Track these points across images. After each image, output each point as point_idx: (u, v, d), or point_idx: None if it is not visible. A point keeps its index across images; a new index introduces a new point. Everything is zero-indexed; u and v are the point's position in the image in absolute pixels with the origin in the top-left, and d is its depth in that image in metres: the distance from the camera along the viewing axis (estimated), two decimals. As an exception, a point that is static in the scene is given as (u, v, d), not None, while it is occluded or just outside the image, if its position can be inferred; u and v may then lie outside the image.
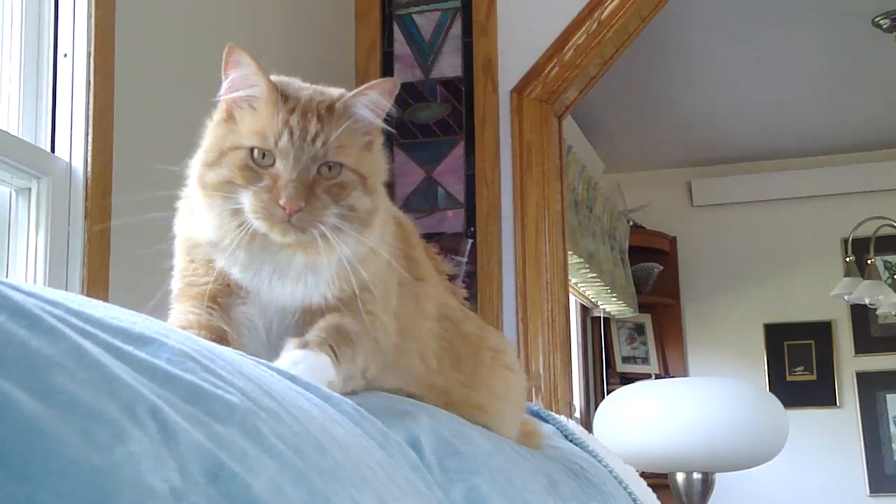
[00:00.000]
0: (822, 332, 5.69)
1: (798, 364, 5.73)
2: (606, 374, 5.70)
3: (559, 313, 3.22)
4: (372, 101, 1.13)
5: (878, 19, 4.29)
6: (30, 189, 1.89)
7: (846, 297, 4.56)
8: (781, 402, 3.02)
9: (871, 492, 5.52)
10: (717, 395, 2.81)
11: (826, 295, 4.86)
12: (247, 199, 1.08)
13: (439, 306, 1.28)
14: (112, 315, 0.68)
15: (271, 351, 1.07)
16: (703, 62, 4.76)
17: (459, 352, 1.29)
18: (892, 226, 4.47)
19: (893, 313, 4.68)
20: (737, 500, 5.28)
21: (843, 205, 5.43)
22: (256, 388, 0.73)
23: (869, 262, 4.47)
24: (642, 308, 5.77)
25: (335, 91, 1.17)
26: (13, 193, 1.89)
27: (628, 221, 5.75)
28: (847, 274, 4.53)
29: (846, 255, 4.61)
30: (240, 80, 1.11)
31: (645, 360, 5.90)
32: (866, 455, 5.55)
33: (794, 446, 5.43)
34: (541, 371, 3.11)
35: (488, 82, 3.17)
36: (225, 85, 1.13)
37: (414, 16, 3.25)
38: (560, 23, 3.16)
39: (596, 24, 3.14)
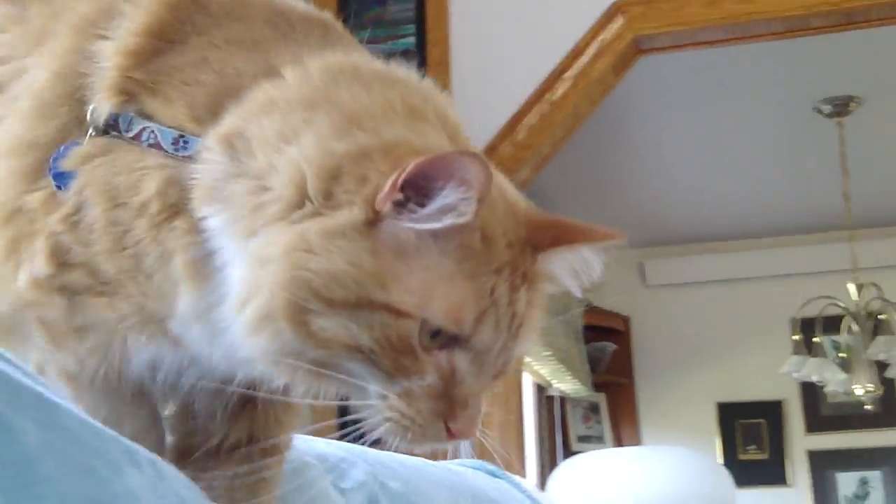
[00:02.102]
0: (773, 410, 5.75)
1: (750, 443, 5.78)
2: (564, 454, 5.71)
3: (513, 392, 3.26)
4: (583, 262, 0.80)
5: (819, 105, 4.45)
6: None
7: (794, 375, 4.64)
8: (734, 480, 3.07)
9: (824, 571, 5.54)
10: (667, 464, 2.85)
11: (777, 374, 4.93)
12: (384, 397, 0.72)
13: None
14: None
15: None
16: (653, 145, 4.89)
17: None
18: (838, 305, 4.57)
19: (841, 391, 4.75)
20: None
21: (791, 285, 5.55)
22: None
23: (815, 340, 4.55)
24: (597, 387, 5.81)
25: (532, 216, 0.78)
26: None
27: (583, 301, 5.82)
28: (795, 352, 4.61)
29: (794, 334, 4.69)
30: (450, 205, 0.71)
31: (600, 440, 5.92)
32: (819, 534, 5.59)
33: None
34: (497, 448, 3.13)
35: (443, 160, 3.24)
36: (416, 205, 0.72)
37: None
38: (513, 103, 3.26)
39: (548, 106, 3.24)
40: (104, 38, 0.86)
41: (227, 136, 0.78)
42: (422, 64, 3.30)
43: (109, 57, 0.85)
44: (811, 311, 4.58)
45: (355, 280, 0.69)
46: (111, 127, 0.82)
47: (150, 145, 0.80)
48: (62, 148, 0.82)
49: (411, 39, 3.34)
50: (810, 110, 4.48)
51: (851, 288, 4.54)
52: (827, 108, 4.45)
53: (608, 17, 3.23)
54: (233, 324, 0.74)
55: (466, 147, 0.81)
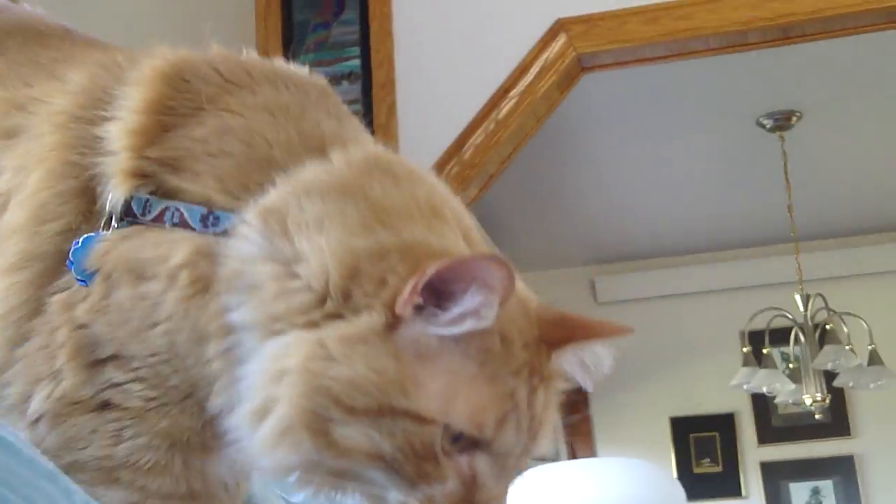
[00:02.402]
0: (725, 423, 5.79)
1: (704, 456, 5.82)
2: (518, 473, 5.70)
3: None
4: (594, 357, 0.79)
5: (761, 119, 4.51)
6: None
7: (745, 387, 4.67)
8: (688, 494, 3.08)
9: (780, 581, 5.58)
10: (619, 475, 2.86)
11: (728, 387, 4.97)
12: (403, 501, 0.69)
13: None
14: None
15: None
16: (599, 162, 4.92)
17: None
18: (785, 317, 4.62)
19: (791, 402, 4.80)
20: None
21: (739, 298, 5.60)
22: None
23: (765, 352, 4.60)
24: (551, 405, 5.81)
25: (542, 313, 0.78)
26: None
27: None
28: (745, 364, 4.65)
29: (743, 346, 4.74)
30: (472, 310, 0.70)
31: (555, 458, 5.93)
32: (774, 544, 5.63)
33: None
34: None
35: (390, 181, 3.24)
36: (437, 308, 0.70)
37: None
38: (459, 123, 3.27)
39: (493, 124, 3.26)
40: (105, 120, 0.81)
41: (268, 213, 0.74)
42: (367, 86, 3.30)
43: (116, 139, 0.80)
44: (759, 323, 4.63)
45: (377, 387, 0.67)
46: (128, 213, 0.78)
47: (175, 225, 0.76)
48: (77, 244, 0.77)
49: (356, 62, 3.34)
50: (753, 125, 4.55)
51: (798, 299, 4.60)
52: (769, 123, 4.51)
53: (551, 35, 3.25)
54: (248, 436, 0.71)
55: (481, 248, 0.80)
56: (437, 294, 0.70)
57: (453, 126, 3.27)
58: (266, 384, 0.70)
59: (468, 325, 0.70)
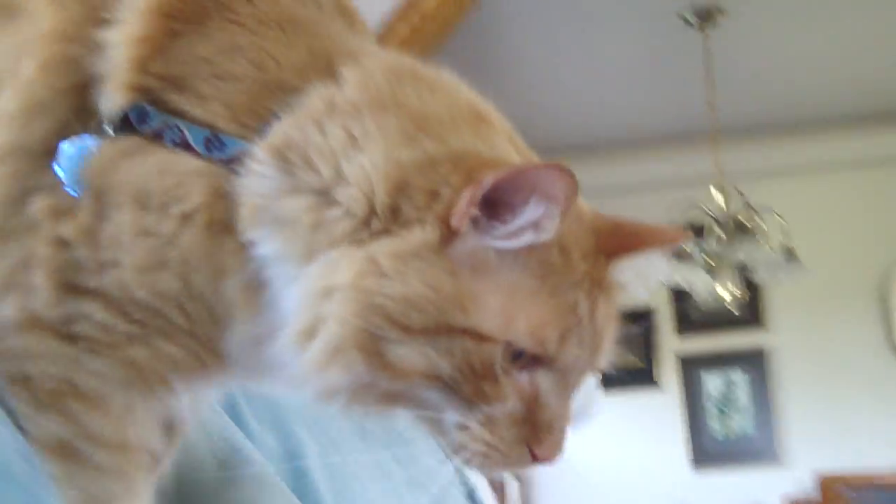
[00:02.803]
0: (645, 317, 5.90)
1: (625, 349, 5.92)
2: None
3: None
4: (650, 265, 0.76)
5: (684, 13, 4.49)
6: None
7: (663, 281, 4.74)
8: (605, 383, 3.12)
9: (694, 466, 5.78)
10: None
11: (647, 281, 5.03)
12: (464, 427, 0.67)
13: None
14: None
15: None
16: (520, 57, 4.86)
17: None
18: (705, 212, 4.67)
19: (708, 295, 4.89)
20: (563, 487, 5.45)
21: (659, 193, 5.65)
22: None
23: (683, 247, 4.65)
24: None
25: (597, 221, 0.73)
26: None
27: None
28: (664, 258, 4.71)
29: (663, 241, 4.78)
30: (533, 221, 0.66)
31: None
32: (688, 432, 5.81)
33: (619, 429, 5.64)
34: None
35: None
36: (495, 221, 0.66)
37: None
38: (381, 18, 3.18)
39: (419, 18, 3.18)
40: (105, 21, 0.72)
41: (281, 148, 0.68)
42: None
43: (117, 44, 0.72)
44: (679, 218, 4.67)
45: (434, 304, 0.63)
46: (124, 125, 0.70)
47: (176, 144, 0.69)
48: (68, 147, 0.70)
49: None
50: (675, 18, 4.52)
51: (717, 195, 4.64)
52: (692, 17, 4.49)
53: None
54: (294, 360, 0.67)
55: (531, 156, 0.76)
56: (495, 205, 0.66)
57: (373, 21, 3.18)
58: (312, 304, 0.66)
59: (528, 238, 0.66)
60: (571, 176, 0.65)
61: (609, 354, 0.72)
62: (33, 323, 0.69)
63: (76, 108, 0.72)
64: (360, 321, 0.64)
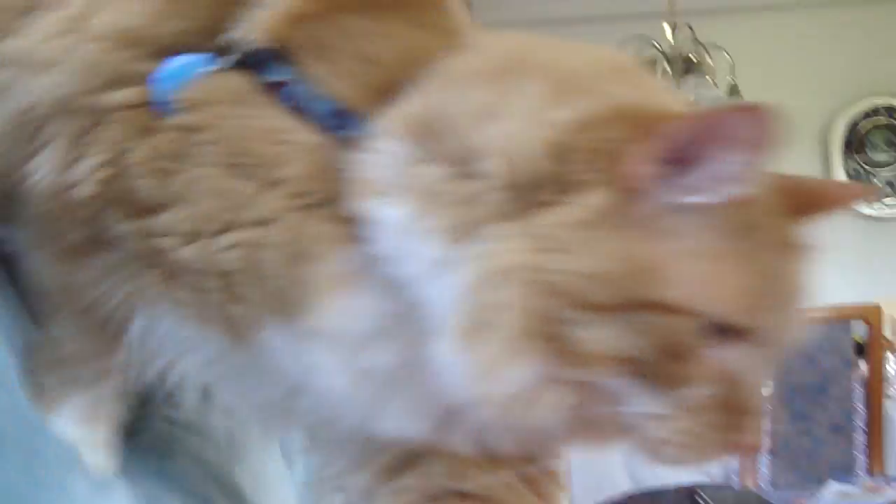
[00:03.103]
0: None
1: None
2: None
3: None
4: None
5: None
6: None
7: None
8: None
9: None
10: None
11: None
12: (660, 417, 0.58)
13: None
14: None
15: None
16: None
17: None
18: (654, 46, 4.64)
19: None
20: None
21: (608, 26, 5.57)
22: None
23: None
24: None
25: (779, 179, 0.63)
26: None
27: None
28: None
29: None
30: (728, 173, 0.57)
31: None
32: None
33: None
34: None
35: None
36: (679, 177, 0.58)
37: None
38: None
39: None
40: None
41: (416, 119, 0.61)
42: None
43: None
44: (627, 52, 4.64)
45: (617, 276, 0.56)
46: (247, 60, 0.64)
47: (290, 106, 0.62)
48: (176, 63, 0.63)
49: None
50: None
51: (666, 29, 4.61)
52: None
53: None
54: (455, 364, 0.58)
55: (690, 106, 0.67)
56: (677, 160, 0.57)
57: None
58: (470, 294, 0.58)
59: (724, 192, 0.58)
60: (769, 119, 0.56)
61: (804, 326, 0.62)
62: (68, 211, 0.65)
63: (207, 31, 0.66)
64: (534, 303, 0.56)
